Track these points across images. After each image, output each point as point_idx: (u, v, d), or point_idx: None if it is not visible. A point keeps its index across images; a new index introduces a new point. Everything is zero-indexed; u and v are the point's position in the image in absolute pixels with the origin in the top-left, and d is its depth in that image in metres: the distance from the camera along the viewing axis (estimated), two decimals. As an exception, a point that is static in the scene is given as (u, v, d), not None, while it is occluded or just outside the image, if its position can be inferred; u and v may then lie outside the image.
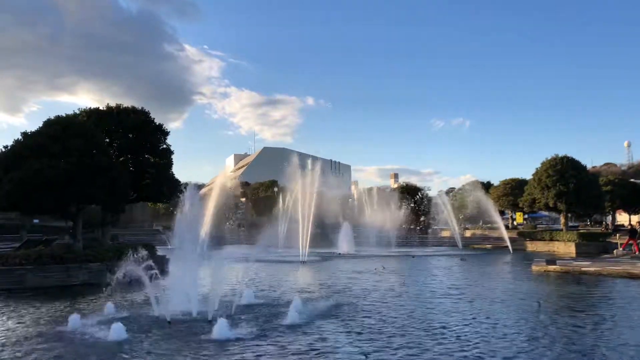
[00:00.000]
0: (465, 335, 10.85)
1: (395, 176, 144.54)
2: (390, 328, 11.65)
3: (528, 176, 46.22)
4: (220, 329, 10.59)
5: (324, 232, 44.00)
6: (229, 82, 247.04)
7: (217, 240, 38.72)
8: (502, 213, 55.15)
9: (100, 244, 25.08)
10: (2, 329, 12.07)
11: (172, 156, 28.62)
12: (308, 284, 20.72)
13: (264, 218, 57.25)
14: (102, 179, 20.94)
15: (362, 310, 13.90)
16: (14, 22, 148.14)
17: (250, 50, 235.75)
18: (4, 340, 10.83)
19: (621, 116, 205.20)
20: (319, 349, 9.76)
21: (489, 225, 54.61)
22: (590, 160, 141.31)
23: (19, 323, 12.70)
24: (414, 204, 61.21)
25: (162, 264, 19.23)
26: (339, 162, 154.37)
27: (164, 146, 28.06)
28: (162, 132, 28.01)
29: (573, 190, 38.87)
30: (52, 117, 22.65)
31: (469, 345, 10.02)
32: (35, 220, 41.73)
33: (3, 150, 21.59)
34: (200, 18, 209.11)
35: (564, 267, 24.11)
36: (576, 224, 59.63)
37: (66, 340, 10.63)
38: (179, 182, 28.65)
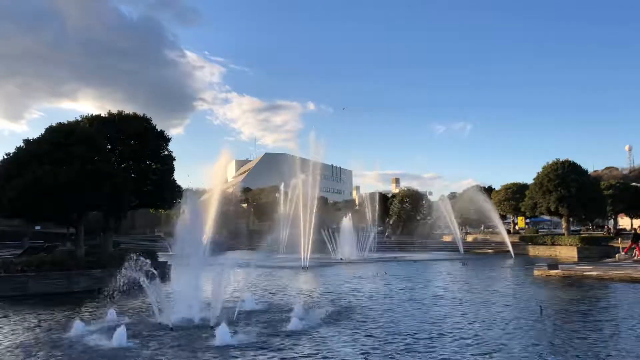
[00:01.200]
0: (473, 341, 10.84)
1: (397, 181, 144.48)
2: (393, 334, 11.64)
3: (529, 180, 46.40)
4: (222, 335, 10.61)
5: (325, 237, 43.94)
6: (229, 87, 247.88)
7: (219, 246, 38.67)
8: (503, 217, 55.10)
9: (102, 251, 25.13)
10: (5, 335, 12.08)
11: (174, 162, 28.70)
12: (310, 289, 20.71)
13: (265, 224, 57.31)
14: (104, 186, 20.99)
15: (364, 316, 13.89)
16: (15, 29, 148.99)
17: (251, 56, 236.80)
18: (7, 347, 10.85)
19: (622, 120, 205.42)
20: (320, 356, 9.76)
21: (490, 229, 54.58)
22: (592, 164, 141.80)
23: (21, 330, 12.71)
24: (416, 208, 61.21)
25: (163, 270, 19.26)
26: (341, 167, 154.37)
27: (166, 152, 28.11)
28: (163, 139, 28.08)
29: (574, 195, 38.87)
30: (54, 124, 22.78)
31: (479, 352, 10.01)
32: (37, 227, 41.78)
33: (5, 157, 21.68)
34: (201, 24, 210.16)
35: (565, 271, 24.08)
36: (578, 228, 59.58)
37: (68, 347, 10.65)
38: (181, 188, 28.70)
